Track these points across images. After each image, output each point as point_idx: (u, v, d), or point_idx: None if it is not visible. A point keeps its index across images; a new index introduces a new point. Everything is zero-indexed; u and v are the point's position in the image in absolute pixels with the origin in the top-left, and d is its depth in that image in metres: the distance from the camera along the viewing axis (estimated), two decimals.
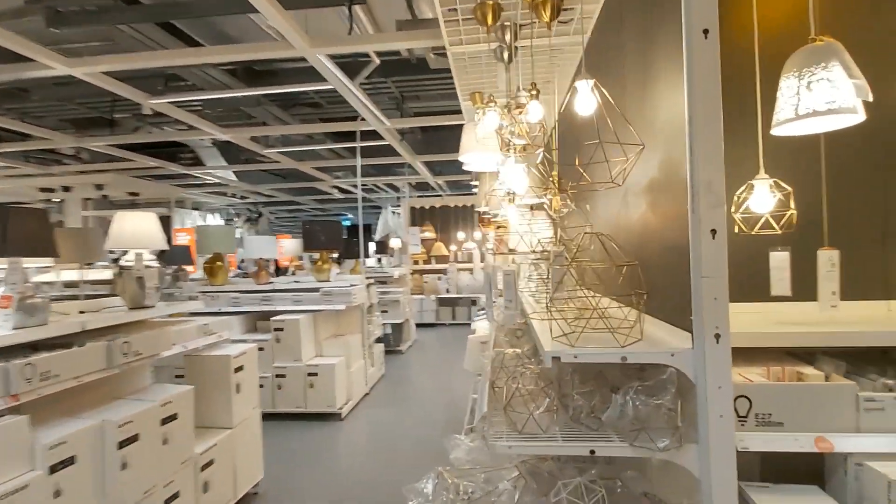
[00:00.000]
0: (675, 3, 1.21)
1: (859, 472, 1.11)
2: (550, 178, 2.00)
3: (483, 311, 4.62)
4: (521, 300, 2.38)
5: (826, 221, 1.44)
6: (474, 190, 4.52)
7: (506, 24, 2.07)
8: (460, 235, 9.50)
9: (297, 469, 3.22)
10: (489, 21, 2.04)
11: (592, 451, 1.18)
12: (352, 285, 4.44)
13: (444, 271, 9.41)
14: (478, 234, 9.36)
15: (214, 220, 11.93)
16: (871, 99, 1.07)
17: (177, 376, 3.53)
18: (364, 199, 12.18)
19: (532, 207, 2.94)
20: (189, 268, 4.83)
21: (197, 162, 7.84)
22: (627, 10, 1.62)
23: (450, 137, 7.69)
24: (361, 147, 7.83)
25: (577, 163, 1.34)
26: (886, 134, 1.50)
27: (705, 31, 1.12)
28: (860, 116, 1.07)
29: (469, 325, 8.96)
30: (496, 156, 2.87)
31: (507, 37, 2.10)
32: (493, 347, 2.06)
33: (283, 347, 4.06)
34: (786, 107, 1.14)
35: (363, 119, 4.83)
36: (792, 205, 1.32)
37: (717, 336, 1.12)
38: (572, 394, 1.27)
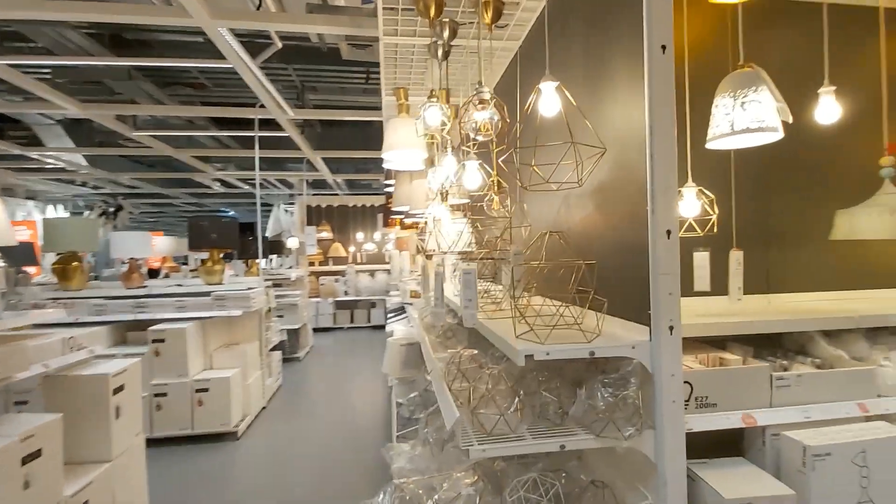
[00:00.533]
0: (629, 18, 1.29)
1: (776, 442, 1.29)
2: (492, 179, 2.02)
3: (394, 314, 4.53)
4: (447, 300, 2.36)
5: (735, 226, 1.66)
6: (388, 189, 4.41)
7: (445, 20, 2.04)
8: (360, 236, 9.23)
9: (190, 501, 2.79)
10: (431, 14, 2.00)
11: (562, 446, 1.20)
12: (249, 288, 4.02)
13: (342, 273, 9.05)
14: (377, 235, 9.19)
15: (57, 212, 9.96)
16: (790, 120, 1.25)
17: (17, 402, 2.85)
18: (250, 195, 11.21)
19: (455, 208, 2.95)
20: (31, 269, 3.94)
21: (34, 142, 6.46)
22: (573, 18, 1.69)
23: (352, 134, 7.44)
24: (253, 137, 7.19)
25: (532, 163, 1.36)
26: (765, 154, 1.79)
27: (663, 47, 1.21)
28: (780, 134, 1.24)
29: (369, 328, 8.75)
30: (422, 154, 2.83)
31: (446, 34, 2.07)
32: (431, 349, 2.01)
33: (164, 361, 3.51)
34: (722, 123, 1.28)
35: (262, 106, 4.41)
36: (715, 210, 1.49)
37: (671, 328, 1.21)
38: (540, 391, 1.28)
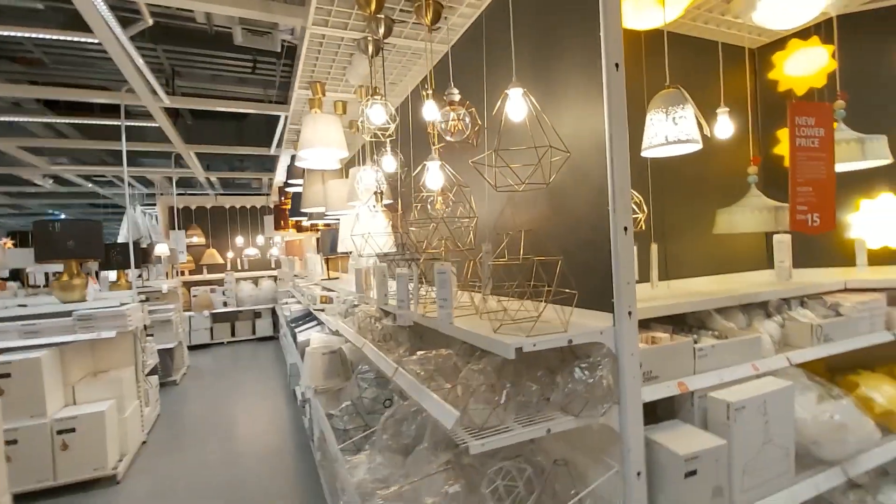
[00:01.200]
0: (580, 35, 1.43)
1: (702, 402, 1.54)
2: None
3: (299, 322, 4.26)
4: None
5: (652, 223, 1.93)
6: (293, 188, 4.12)
7: (381, 16, 1.99)
8: (239, 241, 8.41)
9: None
10: (371, 8, 1.95)
11: (549, 430, 1.28)
12: (122, 304, 3.42)
13: (219, 282, 8.14)
14: (260, 239, 8.49)
15: None
16: (710, 134, 1.51)
17: None
18: (88, 195, 9.47)
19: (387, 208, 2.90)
20: None
21: None
22: (518, 30, 1.80)
23: (223, 128, 6.75)
24: (98, 127, 6.09)
25: (511, 165, 1.43)
26: (660, 163, 2.12)
27: (616, 65, 1.37)
28: (700, 145, 1.49)
29: (254, 341, 8.00)
30: (342, 153, 2.73)
31: (381, 30, 2.03)
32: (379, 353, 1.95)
33: (11, 401, 2.80)
34: (657, 134, 1.49)
35: (130, 90, 3.78)
36: (644, 210, 1.72)
37: (630, 313, 1.37)
38: (523, 382, 1.34)
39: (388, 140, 2.02)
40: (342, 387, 2.93)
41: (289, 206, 5.39)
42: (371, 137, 1.98)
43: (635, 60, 1.96)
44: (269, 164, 8.22)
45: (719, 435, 1.44)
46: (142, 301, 3.84)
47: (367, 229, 3.01)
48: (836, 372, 2.00)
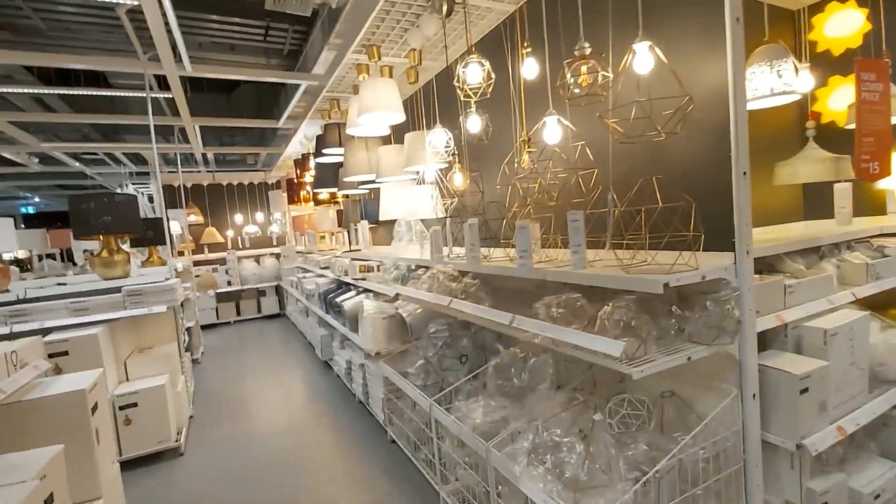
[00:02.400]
0: None
1: (795, 332, 1.71)
2: (522, 139, 2.10)
3: (336, 293, 4.30)
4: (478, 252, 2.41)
5: None
6: (325, 159, 4.09)
7: None
8: (238, 219, 8.24)
9: None
10: None
11: (689, 358, 1.42)
12: (166, 279, 3.38)
13: (221, 261, 8.01)
14: (259, 216, 8.33)
15: None
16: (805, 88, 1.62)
17: None
18: (73, 175, 9.05)
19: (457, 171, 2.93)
20: None
21: None
22: None
23: (220, 101, 6.52)
24: (80, 97, 5.79)
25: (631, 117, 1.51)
26: None
27: (737, 19, 1.45)
28: (798, 96, 1.61)
29: (260, 319, 7.93)
30: (397, 116, 2.75)
31: None
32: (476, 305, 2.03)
33: None
34: (761, 86, 1.60)
35: (153, 57, 3.63)
36: None
37: (748, 252, 1.51)
38: (659, 318, 1.47)
39: (476, 99, 2.06)
40: (403, 349, 3.02)
41: (304, 179, 5.33)
42: (464, 97, 2.01)
43: None
44: (262, 138, 8.00)
45: (816, 358, 1.61)
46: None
47: (420, 197, 3.06)
48: (873, 308, 2.21)
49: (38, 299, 2.95)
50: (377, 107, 2.61)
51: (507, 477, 1.58)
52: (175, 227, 5.96)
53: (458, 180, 2.36)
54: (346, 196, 5.28)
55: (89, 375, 1.81)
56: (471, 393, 2.12)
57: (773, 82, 1.59)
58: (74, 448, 1.62)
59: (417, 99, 3.67)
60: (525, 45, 1.84)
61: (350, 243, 5.39)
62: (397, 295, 2.92)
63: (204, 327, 7.53)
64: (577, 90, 1.53)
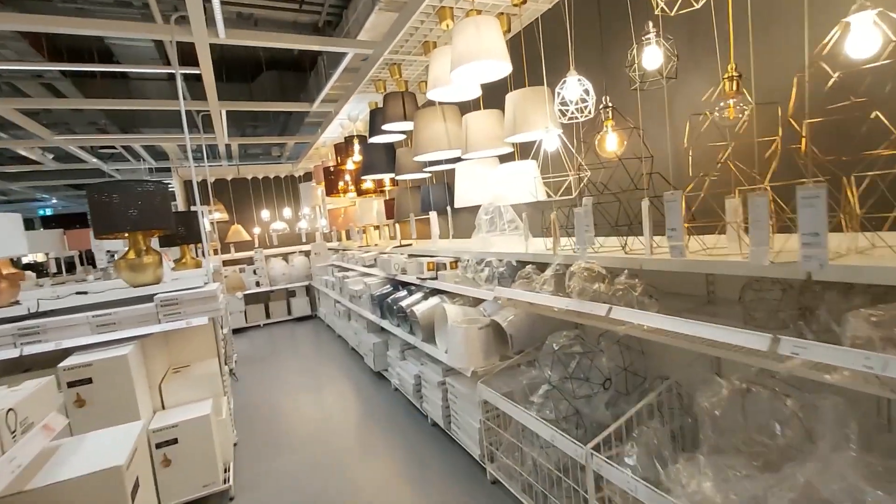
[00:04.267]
0: None
1: None
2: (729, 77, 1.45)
3: (402, 294, 3.69)
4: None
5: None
6: (392, 136, 3.47)
7: None
8: (265, 215, 7.68)
9: None
10: None
11: None
12: (205, 283, 2.80)
13: (249, 261, 7.47)
14: (287, 212, 7.77)
15: None
16: None
17: None
18: (91, 172, 8.59)
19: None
20: None
21: None
22: None
23: (242, 89, 5.96)
24: (94, 86, 5.29)
25: None
26: None
27: None
28: None
29: (291, 322, 7.37)
30: (504, 65, 2.13)
31: None
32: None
33: (96, 413, 2.22)
34: None
35: (180, 20, 3.04)
36: None
37: None
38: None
39: (676, 11, 1.40)
40: (504, 366, 2.40)
41: (346, 167, 4.72)
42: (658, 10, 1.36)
43: None
44: (286, 128, 7.42)
45: None
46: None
47: (515, 175, 2.42)
48: None
49: (53, 313, 2.38)
50: (480, 53, 1.98)
51: None
52: (205, 224, 5.41)
53: (612, 143, 1.71)
54: (395, 183, 4.67)
55: (124, 437, 1.22)
56: (639, 438, 1.49)
57: None
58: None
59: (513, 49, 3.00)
60: None
61: (399, 237, 4.78)
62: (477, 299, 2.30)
63: (233, 332, 7.01)
64: None
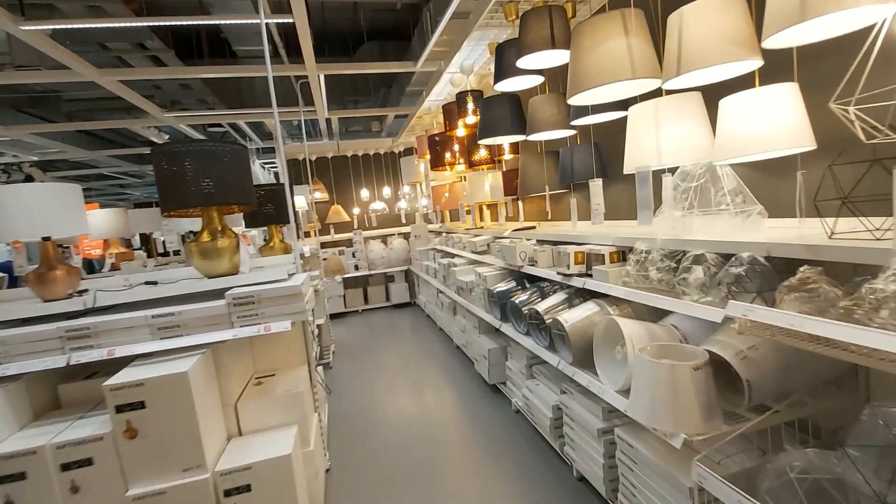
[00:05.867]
0: None
1: None
2: None
3: (539, 295, 2.83)
4: None
5: None
6: (526, 82, 2.57)
7: None
8: (364, 194, 7.25)
9: None
10: None
11: None
12: (290, 275, 2.19)
13: (348, 243, 7.13)
14: (386, 191, 7.25)
15: None
16: None
17: None
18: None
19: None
20: None
21: None
22: None
23: (360, 57, 5.40)
24: (202, 63, 5.01)
25: None
26: None
27: None
28: None
29: (389, 308, 6.89)
30: None
31: None
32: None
33: (149, 446, 1.68)
34: None
35: None
36: None
37: None
38: None
39: None
40: (733, 432, 1.42)
41: (455, 133, 3.91)
42: None
43: None
44: (387, 101, 6.86)
45: None
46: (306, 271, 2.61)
47: (757, 112, 1.39)
48: None
49: (109, 309, 1.89)
50: None
51: None
52: (300, 202, 5.02)
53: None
54: (516, 151, 3.75)
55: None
56: None
57: None
58: None
59: None
60: None
61: (521, 218, 3.90)
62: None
63: (331, 317, 6.73)
64: None
